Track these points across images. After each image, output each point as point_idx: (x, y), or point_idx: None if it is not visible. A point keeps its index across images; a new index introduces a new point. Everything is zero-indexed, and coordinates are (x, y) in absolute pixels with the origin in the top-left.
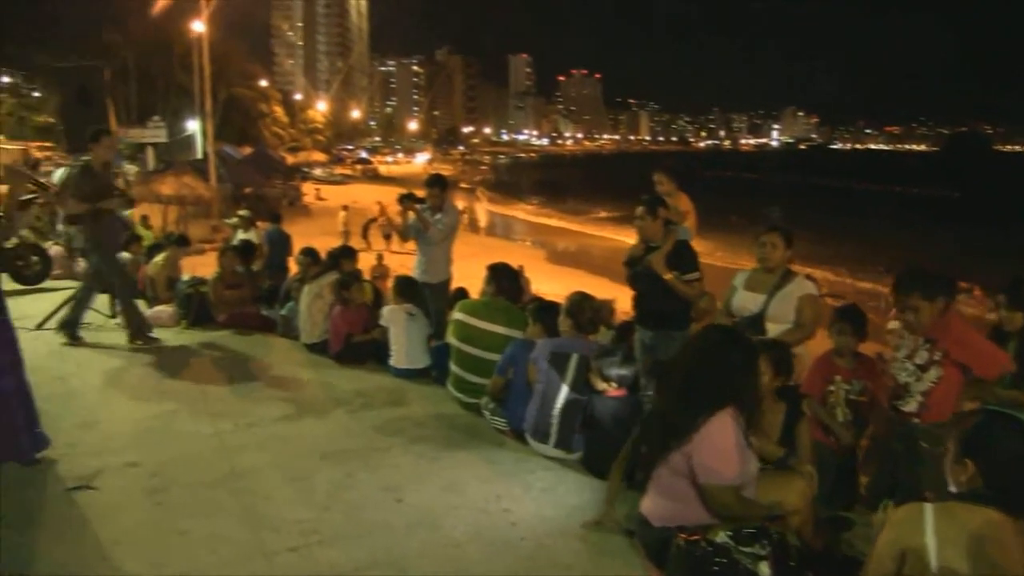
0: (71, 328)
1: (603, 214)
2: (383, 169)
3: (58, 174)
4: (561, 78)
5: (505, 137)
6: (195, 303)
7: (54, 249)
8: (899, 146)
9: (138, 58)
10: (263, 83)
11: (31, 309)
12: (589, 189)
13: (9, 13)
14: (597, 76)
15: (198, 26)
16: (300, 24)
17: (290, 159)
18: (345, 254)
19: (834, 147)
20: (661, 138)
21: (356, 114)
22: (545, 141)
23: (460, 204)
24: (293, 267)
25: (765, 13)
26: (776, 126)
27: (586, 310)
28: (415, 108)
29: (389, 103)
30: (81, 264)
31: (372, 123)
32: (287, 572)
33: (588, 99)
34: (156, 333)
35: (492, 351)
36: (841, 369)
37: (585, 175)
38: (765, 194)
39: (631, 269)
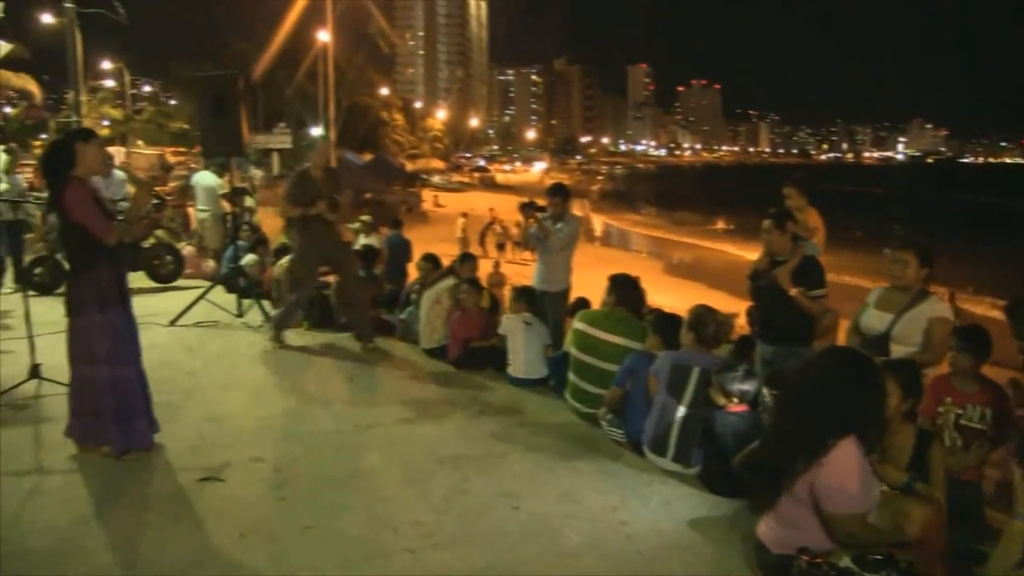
0: (279, 328)
1: (721, 227)
2: (500, 177)
3: (195, 178)
4: (680, 88)
5: (623, 147)
6: (317, 305)
7: (186, 249)
8: None
9: (266, 67)
10: (384, 91)
11: (164, 306)
12: (707, 201)
13: (147, 26)
14: (717, 87)
15: (323, 36)
16: (421, 33)
17: (409, 166)
18: (464, 259)
19: (964, 160)
20: (781, 150)
21: (474, 122)
22: (663, 152)
23: (578, 213)
24: (413, 272)
25: (890, 23)
26: (902, 139)
27: (709, 323)
28: (533, 117)
29: (507, 111)
30: (210, 264)
31: (490, 131)
32: (404, 573)
33: (707, 110)
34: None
35: (611, 362)
36: (955, 392)
37: (703, 187)
38: (892, 209)
39: (755, 282)
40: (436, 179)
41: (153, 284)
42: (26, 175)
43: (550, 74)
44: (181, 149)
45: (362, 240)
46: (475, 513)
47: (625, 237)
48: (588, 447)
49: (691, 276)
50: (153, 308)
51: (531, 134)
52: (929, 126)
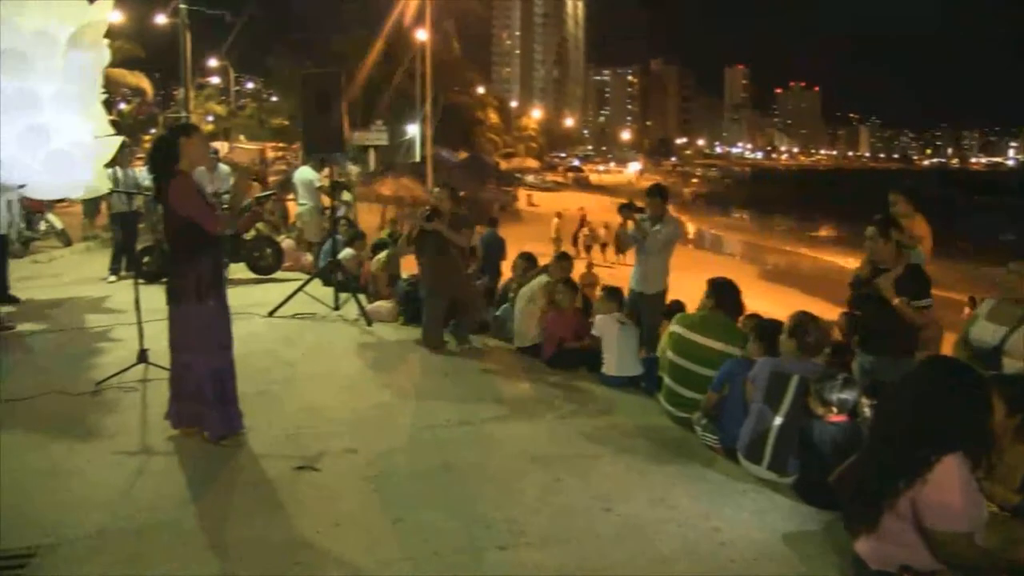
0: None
1: (822, 233)
2: (594, 178)
3: (296, 174)
4: (778, 90)
5: (718, 149)
6: (413, 301)
7: (286, 242)
8: None
9: (364, 65)
10: (480, 90)
11: (263, 297)
12: (805, 207)
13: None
14: (815, 89)
15: (421, 35)
16: (518, 33)
17: (503, 165)
18: (560, 259)
19: None
20: (881, 155)
21: (569, 122)
22: (759, 155)
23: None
24: (506, 271)
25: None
26: (1013, 144)
27: (811, 331)
28: (628, 118)
29: (603, 112)
30: (308, 258)
31: (585, 132)
32: (495, 570)
33: (805, 112)
34: (375, 328)
35: (707, 366)
36: None
37: (800, 192)
38: (1002, 219)
39: (856, 291)
40: (530, 178)
41: (253, 276)
42: (138, 168)
43: (646, 75)
44: (281, 144)
45: None
46: (567, 514)
47: (718, 240)
48: (681, 452)
49: (787, 282)
50: (252, 299)
51: (626, 135)
52: None
